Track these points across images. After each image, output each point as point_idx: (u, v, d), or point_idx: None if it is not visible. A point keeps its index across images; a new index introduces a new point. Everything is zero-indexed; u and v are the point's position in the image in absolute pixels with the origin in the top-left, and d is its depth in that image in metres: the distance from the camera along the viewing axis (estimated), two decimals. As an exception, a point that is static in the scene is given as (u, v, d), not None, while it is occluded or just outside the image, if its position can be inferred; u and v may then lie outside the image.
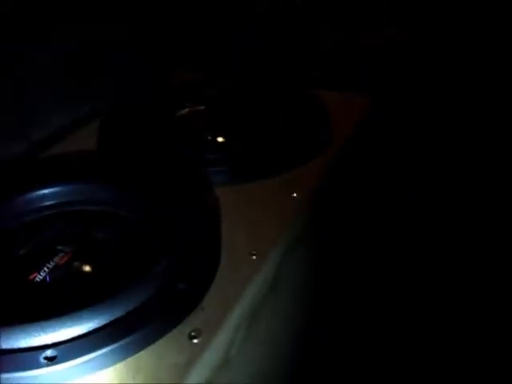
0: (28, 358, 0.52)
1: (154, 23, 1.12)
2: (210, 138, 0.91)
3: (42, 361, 0.52)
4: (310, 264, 0.83)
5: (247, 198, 0.76)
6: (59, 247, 0.68)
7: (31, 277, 0.64)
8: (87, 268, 0.66)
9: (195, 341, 0.55)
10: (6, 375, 0.51)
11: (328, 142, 0.87)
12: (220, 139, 0.90)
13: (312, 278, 0.85)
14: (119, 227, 0.71)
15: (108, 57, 1.05)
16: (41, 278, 0.64)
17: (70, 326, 0.53)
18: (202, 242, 0.65)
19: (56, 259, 0.66)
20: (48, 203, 0.74)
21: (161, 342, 0.55)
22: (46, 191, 0.74)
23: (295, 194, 0.76)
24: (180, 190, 0.73)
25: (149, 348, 0.54)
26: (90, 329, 0.54)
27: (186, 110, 1.01)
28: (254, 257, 0.66)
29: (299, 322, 0.83)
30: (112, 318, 0.55)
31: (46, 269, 0.65)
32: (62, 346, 0.52)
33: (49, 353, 0.52)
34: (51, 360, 0.52)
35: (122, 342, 0.53)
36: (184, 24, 1.20)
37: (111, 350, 0.53)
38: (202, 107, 1.01)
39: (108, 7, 1.01)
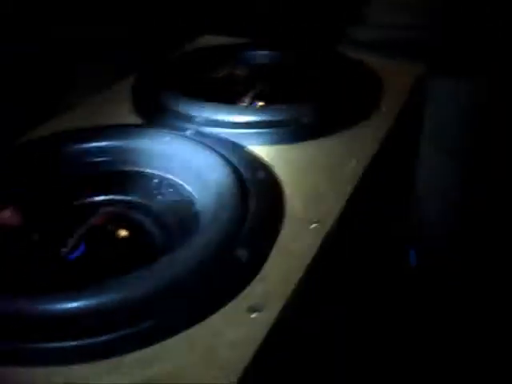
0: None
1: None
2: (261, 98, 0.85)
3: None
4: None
5: (303, 158, 0.70)
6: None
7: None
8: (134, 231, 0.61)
9: (254, 315, 0.47)
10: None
11: (377, 105, 0.82)
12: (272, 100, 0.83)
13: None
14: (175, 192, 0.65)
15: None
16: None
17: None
18: (261, 206, 0.58)
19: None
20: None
21: (216, 316, 0.47)
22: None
23: (349, 164, 0.69)
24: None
25: (203, 323, 0.46)
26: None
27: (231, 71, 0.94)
28: (315, 225, 0.58)
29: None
30: (161, 289, 0.47)
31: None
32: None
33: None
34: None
35: (172, 316, 0.46)
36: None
37: (160, 325, 0.45)
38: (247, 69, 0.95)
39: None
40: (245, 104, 0.84)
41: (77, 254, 0.58)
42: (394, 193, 0.91)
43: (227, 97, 0.86)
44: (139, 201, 0.66)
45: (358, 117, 0.79)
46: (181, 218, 0.63)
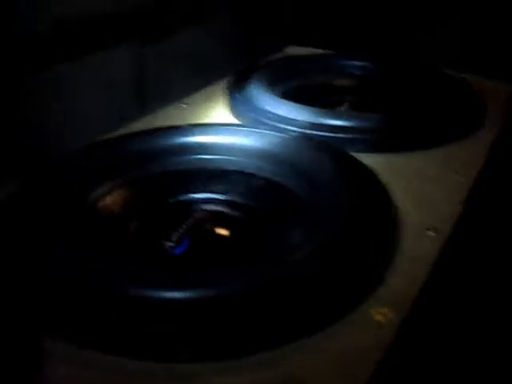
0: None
1: None
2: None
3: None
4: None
5: (409, 167, 0.68)
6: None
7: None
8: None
9: (381, 320, 0.44)
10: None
11: (480, 124, 0.79)
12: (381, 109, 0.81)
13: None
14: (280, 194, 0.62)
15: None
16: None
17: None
18: (378, 213, 0.55)
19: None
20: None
21: (342, 322, 0.45)
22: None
23: (458, 175, 0.66)
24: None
25: (329, 328, 0.44)
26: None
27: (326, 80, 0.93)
28: (431, 232, 0.55)
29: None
30: (287, 293, 0.44)
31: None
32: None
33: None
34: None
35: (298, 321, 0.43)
36: None
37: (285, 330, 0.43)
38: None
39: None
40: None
41: (181, 248, 0.55)
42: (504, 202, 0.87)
43: (322, 104, 0.83)
44: (240, 201, 0.64)
45: (462, 132, 0.76)
46: (285, 221, 0.60)
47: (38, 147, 0.67)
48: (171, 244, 0.56)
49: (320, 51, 1.06)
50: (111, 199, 0.61)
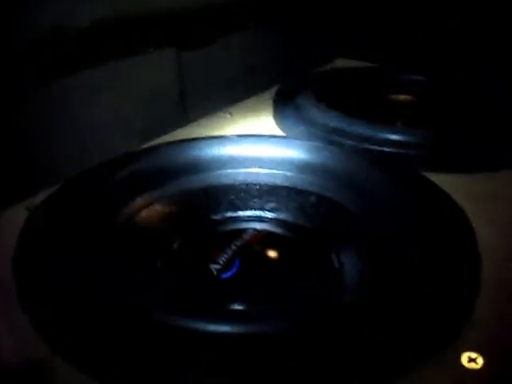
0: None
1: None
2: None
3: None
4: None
5: (483, 190, 0.60)
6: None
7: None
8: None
9: (473, 366, 0.37)
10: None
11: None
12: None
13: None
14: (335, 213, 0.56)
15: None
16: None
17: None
18: (456, 239, 0.48)
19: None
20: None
21: (427, 367, 0.37)
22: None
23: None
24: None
25: (413, 375, 0.36)
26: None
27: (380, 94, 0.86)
28: (516, 264, 0.47)
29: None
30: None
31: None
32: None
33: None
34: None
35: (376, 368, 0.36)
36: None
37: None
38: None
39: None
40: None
41: (231, 273, 0.48)
42: None
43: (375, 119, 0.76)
44: (292, 220, 0.57)
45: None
46: (342, 244, 0.53)
47: (76, 156, 0.62)
48: (218, 267, 0.49)
49: (368, 64, 0.99)
50: (148, 214, 0.55)
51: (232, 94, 0.83)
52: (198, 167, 0.60)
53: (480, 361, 0.38)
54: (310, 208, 0.57)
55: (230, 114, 0.78)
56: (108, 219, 0.51)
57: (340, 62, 1.02)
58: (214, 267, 0.49)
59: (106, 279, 0.42)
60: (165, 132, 0.71)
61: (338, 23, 1.06)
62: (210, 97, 0.80)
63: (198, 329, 0.38)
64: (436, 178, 0.60)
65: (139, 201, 0.55)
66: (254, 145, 0.62)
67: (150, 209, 0.55)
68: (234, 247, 0.51)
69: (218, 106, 0.80)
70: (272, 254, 0.53)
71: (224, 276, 0.49)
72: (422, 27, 1.04)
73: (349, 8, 1.05)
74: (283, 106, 0.75)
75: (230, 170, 0.60)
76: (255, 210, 0.58)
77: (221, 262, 0.50)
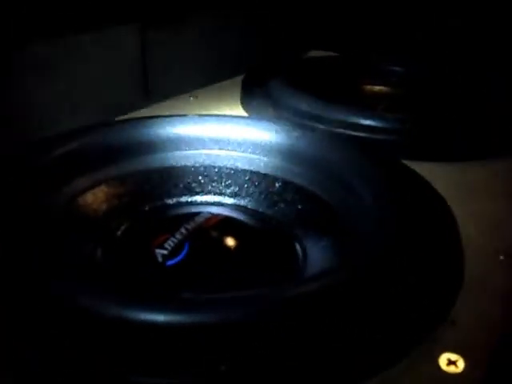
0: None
1: None
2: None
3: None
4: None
5: (466, 179, 0.56)
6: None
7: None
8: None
9: (453, 369, 0.31)
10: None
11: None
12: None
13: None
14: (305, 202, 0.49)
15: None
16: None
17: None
18: (438, 231, 0.43)
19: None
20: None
21: (399, 369, 0.31)
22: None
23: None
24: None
25: (383, 375, 0.31)
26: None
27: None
28: (503, 257, 0.42)
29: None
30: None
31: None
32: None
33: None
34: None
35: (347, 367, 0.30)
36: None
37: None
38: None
39: None
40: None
41: (177, 259, 0.42)
42: None
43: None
44: (254, 207, 0.50)
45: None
46: (308, 234, 0.47)
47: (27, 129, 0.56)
48: (164, 252, 0.42)
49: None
50: (94, 196, 0.48)
51: (199, 78, 0.77)
52: (153, 147, 0.54)
53: (461, 364, 0.32)
54: (273, 194, 0.51)
55: (196, 97, 0.72)
56: (44, 202, 0.45)
57: (315, 53, 0.97)
58: (160, 252, 0.43)
59: (38, 271, 0.35)
60: (124, 113, 0.64)
61: (314, 13, 1.01)
62: (175, 79, 0.74)
63: (135, 319, 0.31)
64: (419, 167, 0.54)
65: (83, 182, 0.49)
66: (215, 125, 0.56)
67: (95, 191, 0.49)
68: (184, 231, 0.44)
69: (183, 88, 0.73)
70: (227, 240, 0.47)
71: (170, 262, 0.42)
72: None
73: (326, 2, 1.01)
74: (252, 90, 0.70)
75: (187, 151, 0.54)
76: (213, 194, 0.52)
77: (168, 246, 0.43)
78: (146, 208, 0.50)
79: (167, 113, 0.62)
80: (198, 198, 0.52)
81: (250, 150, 0.54)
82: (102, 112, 0.65)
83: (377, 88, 0.81)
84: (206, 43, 0.80)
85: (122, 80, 0.70)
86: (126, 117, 0.62)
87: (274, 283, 0.40)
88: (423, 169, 0.54)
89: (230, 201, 0.52)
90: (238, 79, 0.77)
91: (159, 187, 0.52)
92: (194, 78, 0.76)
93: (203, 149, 0.54)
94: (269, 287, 0.37)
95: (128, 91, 0.69)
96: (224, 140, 0.54)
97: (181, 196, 0.52)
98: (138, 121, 0.56)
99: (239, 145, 0.54)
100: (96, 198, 0.49)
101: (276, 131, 0.54)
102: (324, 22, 1.03)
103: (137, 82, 0.71)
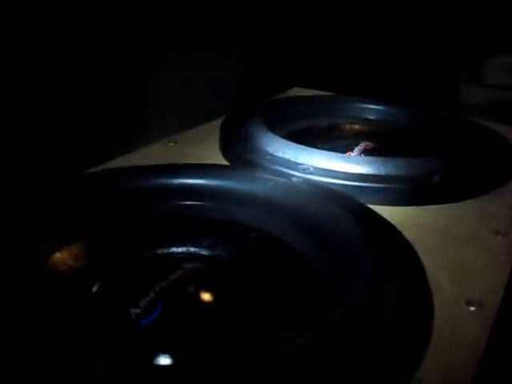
0: None
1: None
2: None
3: None
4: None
5: (436, 224, 0.56)
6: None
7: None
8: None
9: None
10: None
11: (510, 176, 0.67)
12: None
13: None
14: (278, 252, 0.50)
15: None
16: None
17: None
18: (405, 281, 0.43)
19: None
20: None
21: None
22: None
23: (499, 234, 0.55)
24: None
25: None
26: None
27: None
28: (472, 308, 0.42)
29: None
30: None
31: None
32: None
33: None
34: None
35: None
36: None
37: None
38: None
39: None
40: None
41: (151, 318, 0.42)
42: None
43: (328, 149, 0.72)
44: (230, 257, 0.51)
45: (492, 183, 0.64)
46: (285, 287, 0.47)
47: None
48: (138, 311, 0.43)
49: (325, 93, 0.95)
50: (68, 253, 0.48)
51: (179, 121, 0.78)
52: (129, 199, 0.54)
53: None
54: (249, 245, 0.52)
55: (175, 142, 0.72)
56: (19, 259, 0.45)
57: (295, 91, 0.98)
58: (134, 311, 0.43)
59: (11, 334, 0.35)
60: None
61: (293, 52, 1.03)
62: (153, 123, 0.75)
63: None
64: (389, 212, 0.56)
65: (57, 238, 0.49)
66: (193, 174, 0.56)
67: (69, 247, 0.49)
68: (157, 289, 0.45)
69: (162, 133, 0.74)
70: (203, 295, 0.47)
71: (144, 321, 0.43)
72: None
73: (304, 38, 1.02)
74: (230, 134, 0.70)
75: (162, 202, 0.54)
76: (190, 246, 0.52)
77: (141, 305, 0.43)
78: (122, 263, 0.50)
79: (144, 161, 0.63)
80: (175, 250, 0.52)
81: (225, 200, 0.54)
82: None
83: (354, 127, 0.81)
84: (185, 85, 0.81)
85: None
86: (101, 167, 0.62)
87: (249, 341, 0.40)
88: (395, 214, 0.54)
89: (206, 252, 0.52)
90: (218, 122, 0.78)
91: (134, 240, 0.52)
92: (174, 122, 0.77)
93: (179, 199, 0.55)
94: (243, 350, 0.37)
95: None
96: (199, 190, 0.55)
97: (156, 249, 0.52)
98: (110, 172, 0.56)
99: (215, 195, 0.55)
100: (70, 253, 0.49)
101: (250, 181, 0.54)
102: (306, 59, 1.04)
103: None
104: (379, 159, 0.61)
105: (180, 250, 0.52)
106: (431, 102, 0.95)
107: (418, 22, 1.02)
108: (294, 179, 0.57)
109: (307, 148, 0.62)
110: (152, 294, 0.45)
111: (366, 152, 0.71)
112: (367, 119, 0.83)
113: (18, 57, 0.57)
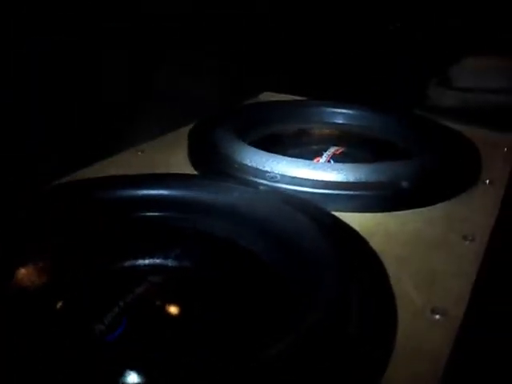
0: None
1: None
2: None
3: None
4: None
5: (403, 230, 0.56)
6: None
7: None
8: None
9: None
10: None
11: (477, 178, 0.68)
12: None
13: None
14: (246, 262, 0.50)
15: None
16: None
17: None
18: (368, 290, 0.43)
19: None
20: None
21: None
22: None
23: (467, 239, 0.55)
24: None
25: None
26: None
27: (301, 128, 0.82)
28: (438, 316, 0.43)
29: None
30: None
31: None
32: None
33: None
34: None
35: None
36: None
37: None
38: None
39: None
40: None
41: (116, 333, 0.42)
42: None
43: (297, 155, 0.72)
44: (197, 270, 0.51)
45: (460, 187, 0.65)
46: (253, 297, 0.47)
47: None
48: (102, 328, 0.42)
49: (297, 98, 0.95)
50: (32, 269, 0.47)
51: (146, 130, 0.77)
52: (93, 211, 0.53)
53: None
54: (215, 256, 0.51)
55: (142, 151, 0.72)
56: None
57: (266, 96, 0.98)
58: (99, 328, 0.43)
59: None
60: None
61: (263, 58, 1.02)
62: (120, 132, 0.74)
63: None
64: (356, 218, 0.56)
65: (20, 253, 0.48)
66: (158, 184, 0.55)
67: (33, 263, 0.48)
68: (122, 303, 0.44)
69: (129, 142, 0.73)
70: (168, 308, 0.46)
71: (109, 338, 0.42)
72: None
73: (276, 43, 1.02)
74: (198, 142, 0.70)
75: (129, 214, 0.54)
76: (155, 258, 0.52)
77: (106, 321, 0.43)
78: (87, 277, 0.49)
79: (111, 170, 0.62)
80: (140, 262, 0.52)
81: (191, 211, 0.54)
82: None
83: (324, 132, 0.81)
84: (157, 92, 0.81)
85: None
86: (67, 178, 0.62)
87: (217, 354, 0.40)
88: (363, 220, 0.54)
89: (172, 263, 0.52)
90: (187, 129, 0.77)
91: (99, 253, 0.51)
92: (142, 131, 0.76)
93: (144, 210, 0.54)
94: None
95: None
96: (164, 201, 0.54)
97: (122, 261, 0.51)
98: (75, 183, 0.56)
99: (180, 205, 0.54)
100: (34, 269, 0.48)
101: (217, 191, 0.54)
102: (273, 64, 1.04)
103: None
104: (346, 166, 0.61)
105: (146, 261, 0.52)
106: (401, 104, 0.95)
107: (382, 27, 1.02)
108: (262, 188, 0.56)
109: (274, 156, 0.62)
110: (117, 309, 0.44)
111: (336, 157, 0.71)
112: (337, 123, 0.83)
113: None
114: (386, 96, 1.04)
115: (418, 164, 0.63)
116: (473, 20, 1.01)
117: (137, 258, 0.52)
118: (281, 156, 0.62)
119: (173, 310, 0.47)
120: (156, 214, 0.54)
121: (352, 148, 0.75)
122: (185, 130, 0.77)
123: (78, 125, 0.65)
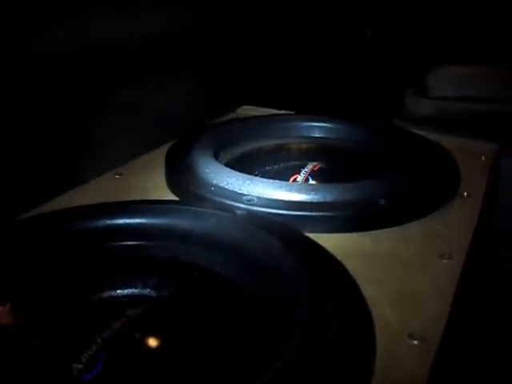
0: None
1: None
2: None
3: None
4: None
5: (380, 250, 0.56)
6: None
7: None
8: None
9: None
10: None
11: (455, 192, 0.68)
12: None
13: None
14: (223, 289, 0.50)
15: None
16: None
17: None
18: (345, 315, 0.43)
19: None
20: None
21: None
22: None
23: (444, 258, 0.55)
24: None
25: None
26: None
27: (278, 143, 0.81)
28: (415, 341, 0.43)
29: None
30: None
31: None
32: None
33: None
34: None
35: None
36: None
37: None
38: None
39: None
40: (298, 181, 0.70)
41: (95, 372, 0.42)
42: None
43: (275, 172, 0.72)
44: (175, 298, 0.51)
45: (437, 202, 0.65)
46: (230, 325, 0.47)
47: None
48: (80, 367, 0.42)
49: (275, 111, 0.95)
50: (8, 306, 0.47)
51: (124, 152, 0.77)
52: (68, 242, 0.53)
53: None
54: (193, 284, 0.51)
55: (120, 174, 0.71)
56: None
57: (244, 110, 0.97)
58: (76, 367, 0.42)
59: None
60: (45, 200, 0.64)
61: (240, 72, 1.02)
62: (97, 155, 0.74)
63: None
64: (330, 240, 0.56)
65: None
66: (134, 213, 0.55)
67: (10, 298, 0.48)
68: (99, 340, 0.44)
69: (107, 165, 0.73)
70: (147, 342, 0.46)
71: (87, 377, 0.42)
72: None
73: (253, 56, 1.02)
74: (175, 165, 0.69)
75: (106, 243, 0.54)
76: (133, 288, 0.52)
77: (83, 360, 0.43)
78: (64, 312, 0.49)
79: (88, 197, 0.62)
80: (118, 293, 0.52)
81: (167, 239, 0.54)
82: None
83: (302, 147, 0.81)
84: (132, 112, 0.80)
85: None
86: (45, 206, 0.61)
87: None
88: (338, 241, 0.55)
89: (150, 293, 0.52)
90: (167, 147, 0.77)
91: (76, 286, 0.51)
92: (119, 153, 0.76)
93: (120, 240, 0.54)
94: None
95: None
96: (140, 229, 0.54)
97: (99, 293, 0.51)
98: (50, 214, 0.55)
99: (157, 233, 0.54)
100: (10, 306, 0.48)
101: (193, 217, 0.54)
102: (251, 78, 1.04)
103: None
104: (321, 186, 0.61)
105: (124, 292, 0.52)
106: (378, 115, 0.95)
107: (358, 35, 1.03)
108: (239, 212, 0.56)
109: (251, 177, 0.62)
110: (94, 347, 0.44)
111: (314, 173, 0.71)
112: (313, 137, 0.83)
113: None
114: (364, 106, 1.04)
115: (394, 182, 0.63)
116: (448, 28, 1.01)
117: (114, 289, 0.52)
118: (257, 178, 0.63)
119: (151, 341, 0.47)
120: (132, 242, 0.54)
121: (329, 163, 0.75)
122: (165, 149, 0.77)
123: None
